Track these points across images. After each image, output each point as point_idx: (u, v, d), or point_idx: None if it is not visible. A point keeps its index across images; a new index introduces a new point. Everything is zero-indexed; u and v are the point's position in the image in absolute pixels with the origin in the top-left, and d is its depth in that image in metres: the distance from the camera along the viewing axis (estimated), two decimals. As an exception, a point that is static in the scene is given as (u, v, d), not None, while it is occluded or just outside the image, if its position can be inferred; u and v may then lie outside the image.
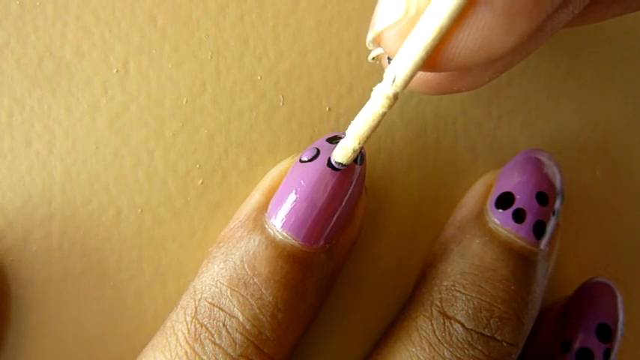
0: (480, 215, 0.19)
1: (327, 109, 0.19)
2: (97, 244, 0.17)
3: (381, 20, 0.13)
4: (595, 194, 0.21)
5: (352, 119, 0.15)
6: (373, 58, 0.15)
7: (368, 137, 0.14)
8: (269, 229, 0.16)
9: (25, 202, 0.17)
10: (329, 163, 0.16)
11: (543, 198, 0.18)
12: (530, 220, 0.18)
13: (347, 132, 0.15)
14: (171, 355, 0.15)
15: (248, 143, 0.18)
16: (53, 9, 0.17)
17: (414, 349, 0.17)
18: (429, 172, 0.20)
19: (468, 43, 0.12)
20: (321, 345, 0.19)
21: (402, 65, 0.13)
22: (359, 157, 0.16)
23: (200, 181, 0.18)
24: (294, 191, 0.16)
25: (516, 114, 0.20)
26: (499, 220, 0.18)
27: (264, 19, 0.18)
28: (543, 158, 0.19)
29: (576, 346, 0.19)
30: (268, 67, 0.18)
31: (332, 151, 0.16)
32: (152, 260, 0.18)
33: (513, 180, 0.18)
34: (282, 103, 0.18)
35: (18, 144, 0.17)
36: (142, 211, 0.18)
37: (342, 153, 0.15)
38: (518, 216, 0.18)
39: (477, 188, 0.20)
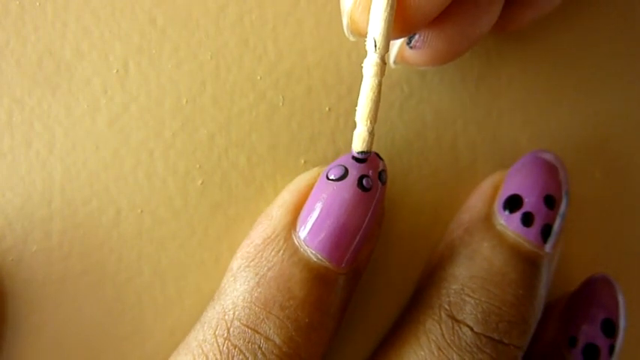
0: (487, 217, 0.19)
1: (327, 109, 0.19)
2: (97, 244, 0.17)
3: (346, 2, 0.15)
4: (595, 194, 0.21)
5: (352, 119, 0.15)
6: (394, 62, 0.17)
7: (376, 115, 0.15)
8: (302, 251, 0.16)
9: (25, 202, 0.17)
10: (359, 184, 0.16)
11: (551, 201, 0.18)
12: (538, 223, 0.18)
13: (356, 119, 0.15)
14: None
15: (248, 143, 0.18)
16: (53, 9, 0.17)
17: (422, 353, 0.17)
18: (429, 172, 0.20)
19: None
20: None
21: (375, 27, 0.14)
22: (383, 176, 0.16)
23: (200, 181, 0.18)
24: (325, 212, 0.16)
25: (516, 114, 0.20)
26: (507, 224, 0.18)
27: (264, 19, 0.18)
28: (551, 160, 0.19)
29: (583, 341, 0.19)
30: (268, 67, 0.18)
31: (360, 170, 0.16)
32: (152, 260, 0.18)
33: (521, 182, 0.18)
34: (282, 103, 0.18)
35: (18, 144, 0.17)
36: (141, 211, 0.18)
37: (360, 142, 0.15)
38: (527, 219, 0.18)
39: (484, 189, 0.19)
